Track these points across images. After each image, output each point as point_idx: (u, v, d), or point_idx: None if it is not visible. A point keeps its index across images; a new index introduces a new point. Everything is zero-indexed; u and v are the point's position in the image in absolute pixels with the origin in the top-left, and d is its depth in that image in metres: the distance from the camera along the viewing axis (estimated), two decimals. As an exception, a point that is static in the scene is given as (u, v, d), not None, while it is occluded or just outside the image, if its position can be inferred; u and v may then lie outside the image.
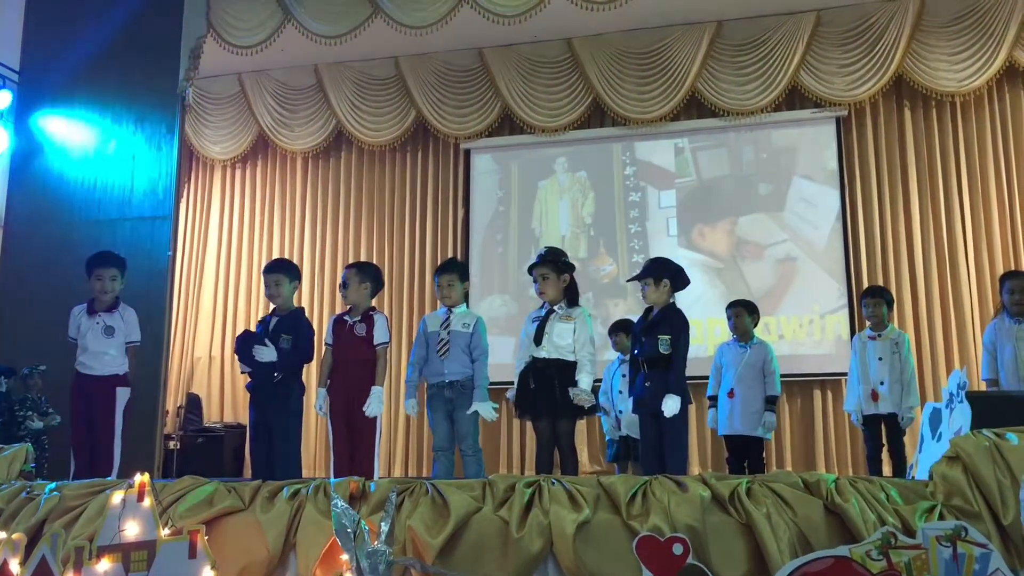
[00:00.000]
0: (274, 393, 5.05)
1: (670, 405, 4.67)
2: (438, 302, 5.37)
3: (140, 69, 7.21)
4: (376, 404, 4.99)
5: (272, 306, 5.41)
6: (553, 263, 5.03)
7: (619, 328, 6.75)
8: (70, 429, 5.39)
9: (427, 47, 9.03)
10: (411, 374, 5.20)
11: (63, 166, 7.22)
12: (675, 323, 4.87)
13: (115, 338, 5.35)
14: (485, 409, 4.92)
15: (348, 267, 5.44)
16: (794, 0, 8.53)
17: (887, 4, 8.46)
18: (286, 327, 5.14)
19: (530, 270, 5.16)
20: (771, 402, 6.16)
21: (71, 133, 7.27)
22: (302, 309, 5.50)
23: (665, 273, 4.97)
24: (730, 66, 8.80)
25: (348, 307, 5.29)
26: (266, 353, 5.00)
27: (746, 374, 6.19)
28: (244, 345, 5.11)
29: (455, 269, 5.27)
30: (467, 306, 5.29)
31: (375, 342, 5.12)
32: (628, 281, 5.21)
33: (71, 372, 5.40)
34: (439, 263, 9.22)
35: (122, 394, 5.35)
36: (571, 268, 5.10)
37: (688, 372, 4.96)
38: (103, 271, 5.38)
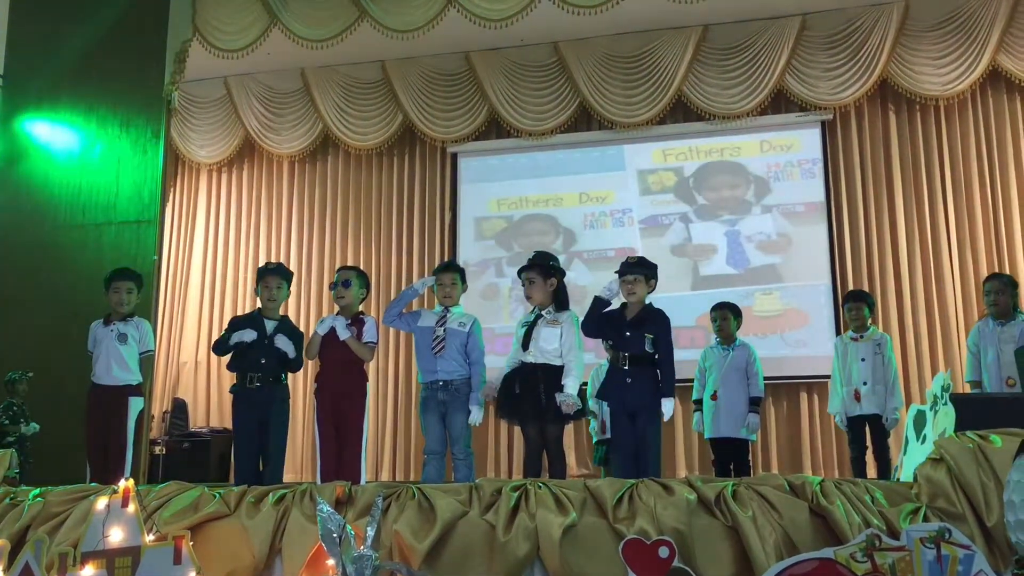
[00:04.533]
0: (273, 394, 5.12)
1: (668, 408, 4.71)
2: (435, 302, 5.32)
3: (125, 72, 7.18)
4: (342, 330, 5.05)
5: (258, 306, 5.41)
6: (540, 267, 5.02)
7: None
8: (85, 437, 5.42)
9: (414, 51, 9.01)
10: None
11: (48, 170, 7.18)
12: (660, 322, 4.87)
13: (128, 345, 5.46)
14: (475, 412, 4.93)
15: (348, 268, 5.43)
16: (779, 4, 8.56)
17: (872, 8, 8.51)
18: (285, 331, 5.21)
19: (519, 274, 5.16)
20: (755, 403, 6.17)
21: (56, 137, 7.23)
22: (287, 317, 5.51)
23: (653, 272, 4.98)
24: (716, 70, 8.83)
25: (336, 311, 5.27)
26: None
27: (730, 376, 6.19)
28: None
29: (458, 269, 5.27)
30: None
31: (363, 340, 5.12)
32: (615, 272, 5.11)
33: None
34: (426, 266, 9.41)
35: (135, 403, 5.45)
36: (559, 272, 5.09)
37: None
38: (120, 283, 5.52)
